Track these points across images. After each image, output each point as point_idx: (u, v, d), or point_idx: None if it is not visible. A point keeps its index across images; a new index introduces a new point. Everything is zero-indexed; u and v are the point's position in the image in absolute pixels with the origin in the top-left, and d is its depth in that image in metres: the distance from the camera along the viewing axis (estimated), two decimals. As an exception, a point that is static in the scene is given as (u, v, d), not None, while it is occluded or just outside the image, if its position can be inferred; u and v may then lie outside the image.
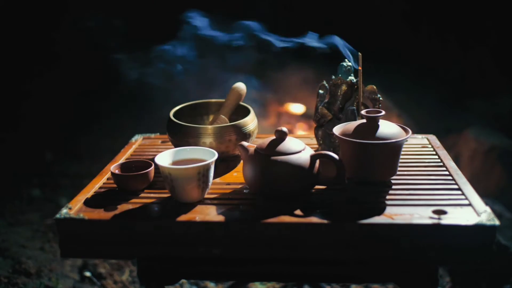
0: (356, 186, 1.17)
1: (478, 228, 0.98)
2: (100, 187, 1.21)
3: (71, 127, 3.55)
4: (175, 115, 1.37)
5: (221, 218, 1.04)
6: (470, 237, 0.98)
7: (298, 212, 1.05)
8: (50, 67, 3.61)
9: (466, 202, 1.07)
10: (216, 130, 1.27)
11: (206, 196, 1.13)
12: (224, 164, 1.33)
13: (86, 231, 1.05)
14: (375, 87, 1.33)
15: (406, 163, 1.29)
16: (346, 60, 1.33)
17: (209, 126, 1.27)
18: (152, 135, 1.59)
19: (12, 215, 2.60)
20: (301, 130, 3.10)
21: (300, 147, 1.11)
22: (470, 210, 1.04)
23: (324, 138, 1.36)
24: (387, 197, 1.11)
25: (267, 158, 1.08)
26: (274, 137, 1.13)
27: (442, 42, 3.81)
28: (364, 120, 1.18)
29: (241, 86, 1.42)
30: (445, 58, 3.77)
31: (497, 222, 0.98)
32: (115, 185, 1.19)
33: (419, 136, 1.50)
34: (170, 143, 1.44)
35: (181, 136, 1.28)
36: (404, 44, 3.71)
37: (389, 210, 1.05)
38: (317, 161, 1.11)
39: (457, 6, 3.75)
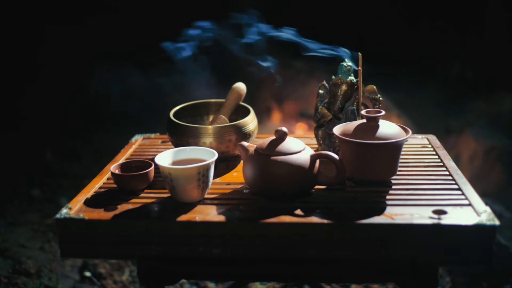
0: (356, 186, 1.17)
1: (478, 228, 0.98)
2: (100, 187, 1.21)
3: (71, 127, 3.55)
4: (175, 115, 1.37)
5: (221, 218, 1.04)
6: (470, 237, 0.98)
7: (298, 212, 1.05)
8: (50, 67, 3.61)
9: (466, 202, 1.07)
10: (216, 130, 1.27)
11: (206, 196, 1.13)
12: (224, 164, 1.33)
13: (86, 231, 1.05)
14: (375, 87, 1.33)
15: (406, 163, 1.29)
16: (346, 60, 1.33)
17: (209, 126, 1.27)
18: (152, 135, 1.59)
19: (12, 215, 2.60)
20: (301, 130, 3.11)
21: (300, 147, 1.11)
22: (470, 210, 1.04)
23: (324, 138, 1.36)
24: (387, 197, 1.11)
25: (267, 158, 1.08)
26: (274, 137, 1.13)
27: (442, 41, 3.81)
28: (364, 120, 1.18)
29: (241, 86, 1.42)
30: (445, 58, 3.77)
31: (497, 222, 0.98)
32: (115, 185, 1.19)
33: (419, 136, 1.50)
34: (170, 143, 1.44)
35: (181, 136, 1.28)
36: (404, 44, 3.71)
37: (389, 210, 1.05)
38: (317, 161, 1.11)
39: (457, 5, 3.75)
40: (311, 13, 3.74)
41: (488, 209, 1.03)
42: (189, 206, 1.09)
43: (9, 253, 2.21)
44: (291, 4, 3.79)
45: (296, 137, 1.20)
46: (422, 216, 1.02)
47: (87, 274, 2.12)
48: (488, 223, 0.98)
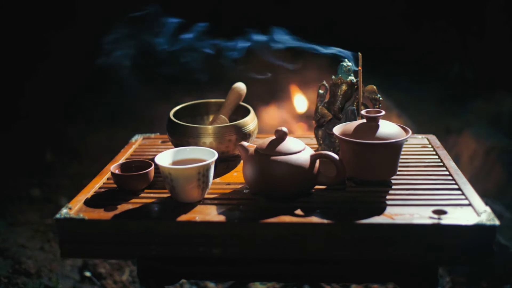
0: (356, 186, 1.17)
1: (478, 228, 0.98)
2: (100, 187, 1.21)
3: (71, 127, 3.55)
4: (175, 115, 1.37)
5: (221, 218, 1.04)
6: (470, 237, 0.98)
7: (298, 212, 1.05)
8: (50, 66, 3.61)
9: (466, 202, 1.07)
10: (216, 130, 1.27)
11: (206, 196, 1.13)
12: (224, 164, 1.33)
13: (86, 231, 1.05)
14: (375, 87, 1.33)
15: (406, 163, 1.29)
16: (346, 60, 1.33)
17: (209, 126, 1.27)
18: (152, 135, 1.59)
19: (12, 215, 2.60)
20: (301, 130, 3.10)
21: (300, 147, 1.11)
22: (470, 210, 1.04)
23: (324, 138, 1.36)
24: (387, 197, 1.11)
25: (267, 158, 1.08)
26: (274, 137, 1.13)
27: (442, 41, 3.81)
28: (364, 120, 1.18)
29: (241, 86, 1.42)
30: (445, 58, 3.77)
31: (497, 222, 0.98)
32: (115, 185, 1.19)
33: (419, 136, 1.50)
34: (170, 143, 1.44)
35: (181, 136, 1.28)
36: (404, 44, 3.71)
37: (389, 210, 1.05)
38: (317, 161, 1.11)
39: (457, 6, 3.75)
40: (310, 12, 3.74)
41: (488, 209, 1.03)
42: (189, 206, 1.09)
43: (9, 253, 2.21)
44: (291, 3, 3.79)
45: (296, 137, 1.20)
46: (422, 216, 1.02)
47: (87, 274, 2.12)
48: (488, 223, 0.98)
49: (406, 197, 1.10)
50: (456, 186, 1.15)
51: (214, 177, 1.21)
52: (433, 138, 1.48)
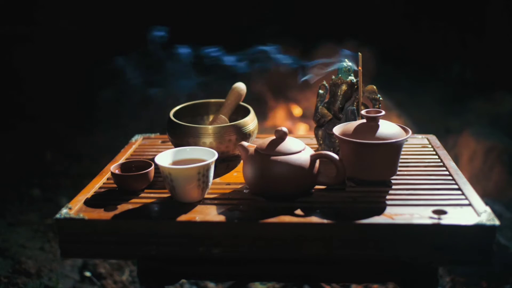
0: (356, 186, 1.17)
1: (478, 228, 0.98)
2: (100, 187, 1.21)
3: (71, 127, 3.56)
4: (175, 115, 1.37)
5: (221, 218, 1.04)
6: (470, 237, 0.98)
7: (298, 212, 1.05)
8: (50, 66, 3.61)
9: (466, 202, 1.07)
10: (216, 130, 1.27)
11: (206, 196, 1.13)
12: (224, 164, 1.33)
13: (86, 231, 1.05)
14: (375, 87, 1.33)
15: (406, 163, 1.29)
16: (346, 60, 1.33)
17: (209, 126, 1.27)
18: (152, 135, 1.59)
19: (12, 215, 2.60)
20: (300, 130, 3.10)
21: (300, 147, 1.11)
22: (470, 210, 1.04)
23: (324, 138, 1.36)
24: (387, 197, 1.11)
25: (267, 158, 1.08)
26: (274, 137, 1.13)
27: (443, 41, 3.81)
28: (364, 120, 1.18)
29: (241, 86, 1.42)
30: (445, 58, 3.77)
31: (497, 222, 0.98)
32: (115, 185, 1.19)
33: (419, 136, 1.50)
34: (170, 143, 1.44)
35: (181, 136, 1.28)
36: (404, 44, 3.72)
37: (389, 210, 1.05)
38: (317, 161, 1.11)
39: (458, 5, 3.76)
40: (311, 12, 3.74)
41: (488, 209, 1.03)
42: (189, 206, 1.09)
43: (9, 253, 2.21)
44: (291, 3, 3.79)
45: (296, 137, 1.20)
46: (422, 216, 1.01)
47: (87, 274, 2.12)
48: (488, 223, 0.98)
49: (406, 197, 1.10)
50: (456, 186, 1.15)
51: (214, 177, 1.21)
52: (433, 138, 1.48)
